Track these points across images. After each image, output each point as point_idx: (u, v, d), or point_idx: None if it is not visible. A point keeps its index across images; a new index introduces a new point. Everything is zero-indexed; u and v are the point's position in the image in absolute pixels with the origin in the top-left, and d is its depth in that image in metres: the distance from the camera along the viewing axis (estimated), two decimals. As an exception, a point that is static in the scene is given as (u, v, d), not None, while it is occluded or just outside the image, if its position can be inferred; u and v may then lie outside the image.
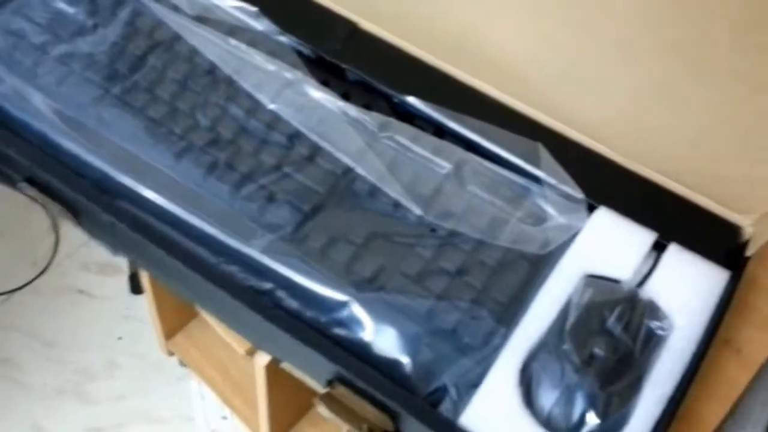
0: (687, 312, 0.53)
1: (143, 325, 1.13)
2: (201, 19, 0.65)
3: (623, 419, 0.50)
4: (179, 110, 0.61)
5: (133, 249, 0.57)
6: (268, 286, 0.54)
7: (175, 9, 0.65)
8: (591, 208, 0.57)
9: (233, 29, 0.64)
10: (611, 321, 0.52)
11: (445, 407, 0.50)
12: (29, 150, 0.59)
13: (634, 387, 0.51)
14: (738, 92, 0.52)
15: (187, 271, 0.54)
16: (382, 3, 0.63)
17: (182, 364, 1.03)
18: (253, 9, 0.65)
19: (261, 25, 0.64)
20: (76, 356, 1.20)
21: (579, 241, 0.56)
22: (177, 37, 0.64)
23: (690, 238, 0.56)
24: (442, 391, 0.51)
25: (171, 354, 1.01)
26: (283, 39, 0.64)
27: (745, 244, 0.56)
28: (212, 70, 0.63)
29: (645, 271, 0.55)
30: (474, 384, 0.51)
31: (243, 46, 0.63)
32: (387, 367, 0.52)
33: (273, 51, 0.63)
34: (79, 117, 0.60)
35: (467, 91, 0.63)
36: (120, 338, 1.22)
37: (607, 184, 0.59)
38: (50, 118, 0.60)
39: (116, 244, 0.58)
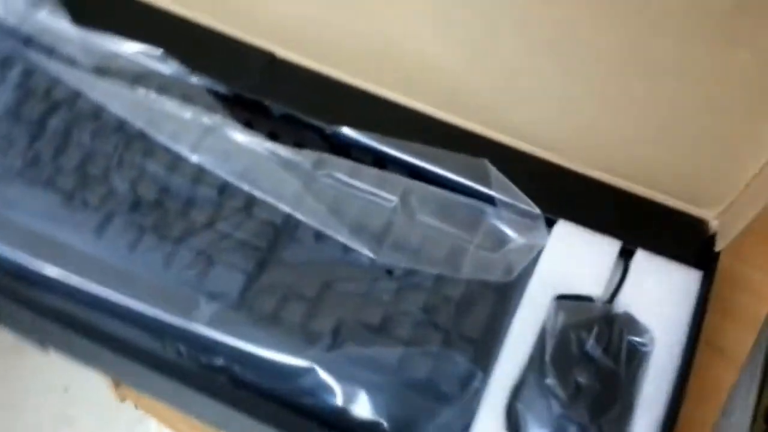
0: (665, 321, 0.51)
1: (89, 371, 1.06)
2: (101, 70, 0.59)
3: (619, 451, 0.47)
4: (91, 176, 0.55)
5: (62, 343, 0.51)
6: (219, 362, 0.50)
7: (71, 63, 0.59)
8: (549, 223, 0.54)
9: (139, 77, 0.59)
10: (590, 344, 0.49)
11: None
12: None
13: (626, 412, 0.48)
14: (683, 84, 0.49)
15: (125, 361, 0.49)
16: (297, 28, 0.58)
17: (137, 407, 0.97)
18: (158, 52, 0.59)
19: (168, 68, 0.59)
20: (23, 418, 1.13)
21: (543, 261, 0.53)
22: (77, 94, 0.58)
23: (656, 241, 0.53)
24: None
25: (124, 399, 0.96)
26: (195, 80, 0.59)
27: (712, 240, 0.53)
28: (122, 125, 0.57)
29: (615, 282, 0.52)
30: (458, 437, 0.47)
31: (152, 94, 0.58)
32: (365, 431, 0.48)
33: (186, 95, 0.58)
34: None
35: (400, 111, 0.58)
36: (66, 390, 1.16)
37: (563, 194, 0.56)
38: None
39: (41, 339, 0.53)
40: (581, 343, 0.49)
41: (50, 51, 0.60)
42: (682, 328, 0.50)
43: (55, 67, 0.58)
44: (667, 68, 0.48)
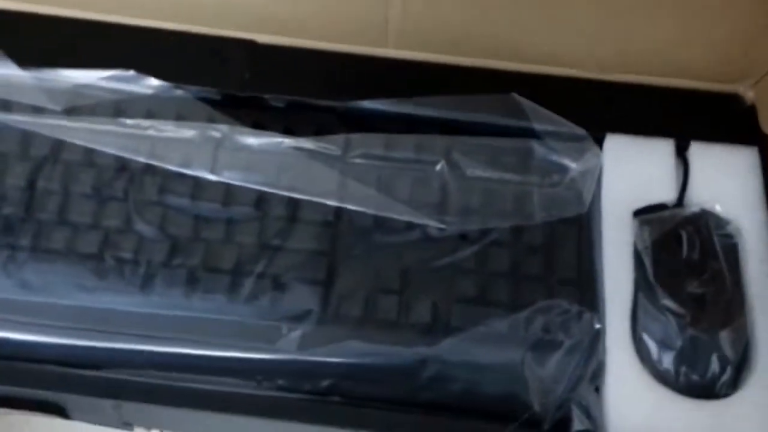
0: (740, 206, 0.50)
1: None
2: (75, 111, 0.52)
3: (750, 348, 0.47)
4: (113, 230, 0.49)
5: (152, 418, 0.47)
6: (325, 384, 0.46)
7: (39, 111, 0.52)
8: (597, 140, 0.52)
9: (119, 106, 0.52)
10: (686, 250, 0.48)
11: (579, 420, 0.45)
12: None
13: (741, 310, 0.47)
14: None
15: (224, 416, 0.45)
16: (274, 6, 0.53)
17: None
18: (129, 73, 0.53)
19: (147, 88, 0.53)
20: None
21: (606, 181, 0.51)
22: (59, 144, 0.51)
23: (703, 129, 0.53)
24: (567, 406, 0.46)
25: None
26: (181, 93, 0.53)
27: (755, 113, 0.53)
28: (123, 165, 0.51)
29: (680, 181, 0.51)
30: (595, 383, 0.46)
31: (144, 122, 0.52)
32: (501, 406, 0.46)
33: (179, 112, 0.52)
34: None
35: (406, 69, 0.55)
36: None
37: (599, 107, 0.54)
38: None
39: (125, 421, 0.47)
40: (677, 253, 0.48)
41: (6, 105, 0.52)
42: (760, 208, 0.50)
43: (22, 121, 0.51)
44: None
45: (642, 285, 0.48)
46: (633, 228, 0.49)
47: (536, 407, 0.45)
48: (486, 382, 0.46)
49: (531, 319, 0.47)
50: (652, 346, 0.46)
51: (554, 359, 0.46)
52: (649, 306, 0.47)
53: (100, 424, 0.47)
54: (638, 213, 0.50)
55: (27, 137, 0.52)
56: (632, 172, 0.51)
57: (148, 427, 0.48)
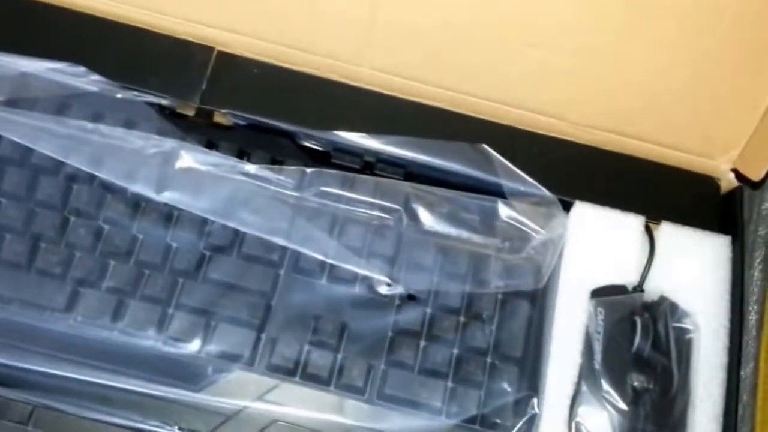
0: (704, 300, 0.48)
1: None
2: (14, 103, 0.48)
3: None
4: (44, 239, 0.46)
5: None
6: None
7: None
8: (563, 204, 0.49)
9: (65, 103, 0.49)
10: (638, 342, 0.46)
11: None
12: None
13: (685, 409, 0.46)
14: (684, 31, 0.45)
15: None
16: (238, 13, 0.49)
17: None
18: (79, 69, 0.49)
19: (96, 84, 0.49)
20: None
21: (568, 252, 0.48)
22: (-7, 137, 0.48)
23: (676, 208, 0.50)
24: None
25: None
26: (133, 95, 0.49)
27: (732, 199, 0.51)
28: (58, 168, 0.48)
29: (644, 261, 0.49)
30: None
31: (88, 124, 0.48)
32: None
33: (128, 119, 0.49)
34: None
35: (377, 100, 0.51)
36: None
37: (571, 169, 0.51)
38: None
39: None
40: (629, 342, 0.46)
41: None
42: (724, 305, 0.48)
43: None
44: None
45: (586, 371, 0.46)
46: (588, 308, 0.47)
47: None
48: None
49: (467, 395, 0.45)
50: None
51: (485, 441, 0.44)
52: (589, 395, 0.45)
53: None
54: (596, 293, 0.48)
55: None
56: (596, 247, 0.49)
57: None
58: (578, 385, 0.46)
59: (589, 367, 0.46)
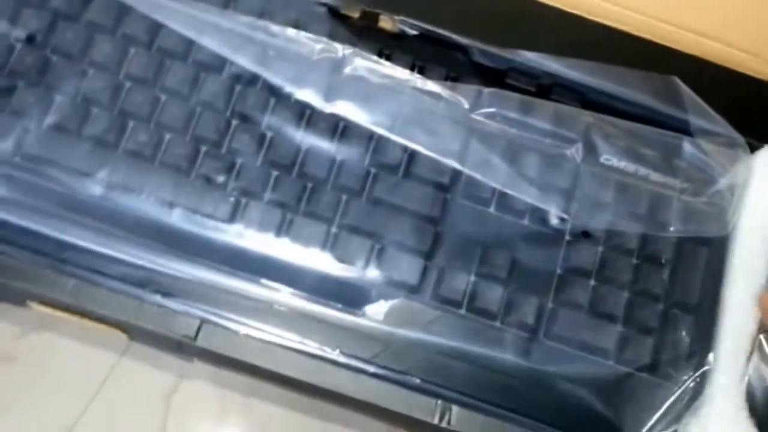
0: None
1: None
2: (179, -9, 0.45)
3: None
4: (207, 143, 0.44)
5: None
6: (402, 366, 0.42)
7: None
8: (752, 148, 0.46)
9: (229, -3, 0.45)
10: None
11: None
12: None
13: None
14: None
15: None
16: None
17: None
18: (247, -42, 0.45)
19: (263, -21, 0.46)
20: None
21: (752, 197, 0.45)
22: (155, 27, 0.45)
23: None
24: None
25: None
26: (301, -6, 0.46)
27: None
28: (221, 66, 0.45)
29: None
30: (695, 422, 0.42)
31: (256, 21, 0.45)
32: (587, 427, 0.42)
33: (297, 19, 0.46)
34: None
35: (561, 20, 0.47)
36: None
37: (764, 113, 0.47)
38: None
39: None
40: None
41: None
42: None
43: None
44: None
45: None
46: None
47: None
48: (576, 399, 0.43)
49: (640, 342, 0.43)
50: (762, 396, 0.43)
51: (655, 389, 0.42)
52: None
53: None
54: None
55: (122, 10, 0.45)
56: None
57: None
58: (758, 340, 0.43)
59: (770, 326, 0.43)
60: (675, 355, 0.43)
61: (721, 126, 0.45)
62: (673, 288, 0.44)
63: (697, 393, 0.42)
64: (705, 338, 0.43)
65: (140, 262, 0.42)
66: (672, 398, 0.42)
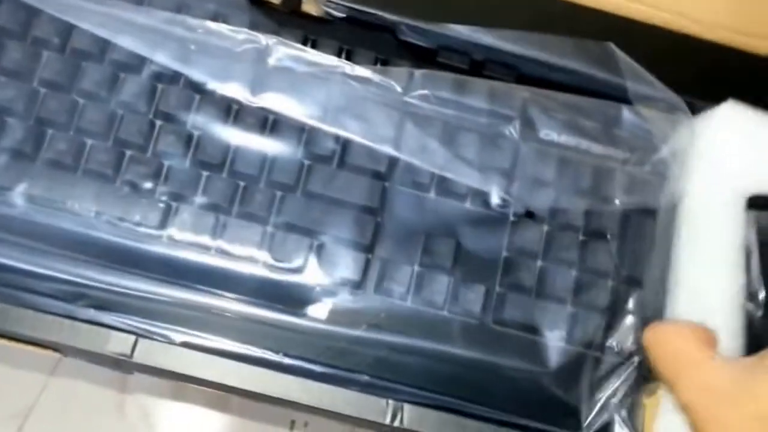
0: None
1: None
2: (89, -12, 0.43)
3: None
4: (130, 146, 0.42)
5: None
6: (350, 364, 0.41)
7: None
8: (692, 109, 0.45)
9: (144, -8, 0.43)
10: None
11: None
12: None
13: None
14: None
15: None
16: None
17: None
18: (160, -51, 0.43)
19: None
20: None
21: (700, 162, 0.44)
22: (67, 28, 0.43)
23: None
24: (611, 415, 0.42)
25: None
26: (218, -18, 0.44)
27: None
28: (140, 65, 0.43)
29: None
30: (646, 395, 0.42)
31: (174, 16, 0.43)
32: (543, 408, 0.42)
33: (217, 11, 0.44)
34: None
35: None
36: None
37: (702, 73, 0.46)
38: None
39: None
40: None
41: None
42: None
43: (24, -6, 0.42)
44: None
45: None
46: (741, 220, 0.43)
47: (582, 413, 0.42)
48: (530, 383, 0.42)
49: (591, 320, 0.42)
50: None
51: (608, 366, 0.42)
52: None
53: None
54: (753, 203, 0.43)
55: (30, 14, 0.43)
56: (749, 151, 0.44)
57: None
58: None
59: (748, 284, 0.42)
60: (626, 331, 0.42)
61: (660, 90, 0.44)
62: (621, 263, 0.43)
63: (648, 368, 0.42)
64: (656, 313, 0.43)
65: (69, 278, 0.40)
66: (624, 374, 0.42)
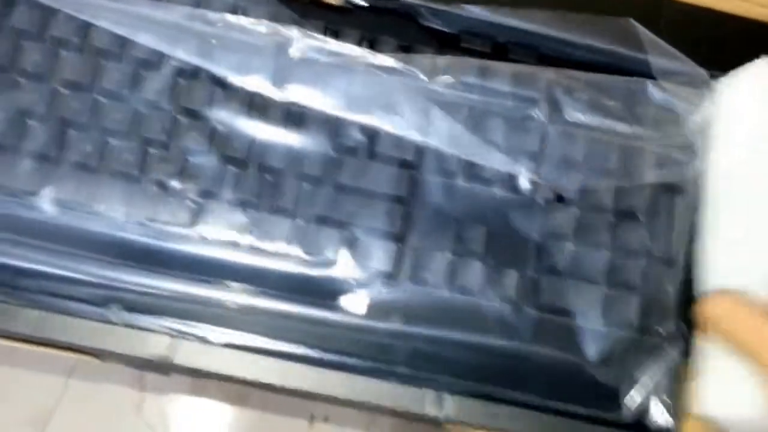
0: None
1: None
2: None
3: None
4: (154, 144, 0.41)
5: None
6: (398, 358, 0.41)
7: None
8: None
9: (161, -12, 0.43)
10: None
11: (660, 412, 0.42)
12: None
13: None
14: None
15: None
16: None
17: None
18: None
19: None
20: None
21: (722, 132, 0.44)
22: (85, 27, 0.42)
23: None
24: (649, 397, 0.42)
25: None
26: (237, -25, 0.43)
27: None
28: (160, 62, 0.42)
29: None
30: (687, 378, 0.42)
31: (193, 11, 0.42)
32: (582, 393, 0.42)
33: (236, 4, 0.43)
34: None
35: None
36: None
37: (725, 45, 0.46)
38: None
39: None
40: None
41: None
42: None
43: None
44: None
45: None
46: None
47: (621, 399, 0.42)
48: (569, 366, 0.42)
49: (627, 300, 0.42)
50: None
51: (646, 346, 0.42)
52: None
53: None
54: None
55: (47, 14, 0.42)
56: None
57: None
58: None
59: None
60: (662, 310, 0.42)
61: (684, 63, 0.44)
62: (653, 241, 0.43)
63: (687, 345, 0.42)
64: (689, 289, 0.43)
65: (102, 281, 0.40)
66: (662, 355, 0.42)
